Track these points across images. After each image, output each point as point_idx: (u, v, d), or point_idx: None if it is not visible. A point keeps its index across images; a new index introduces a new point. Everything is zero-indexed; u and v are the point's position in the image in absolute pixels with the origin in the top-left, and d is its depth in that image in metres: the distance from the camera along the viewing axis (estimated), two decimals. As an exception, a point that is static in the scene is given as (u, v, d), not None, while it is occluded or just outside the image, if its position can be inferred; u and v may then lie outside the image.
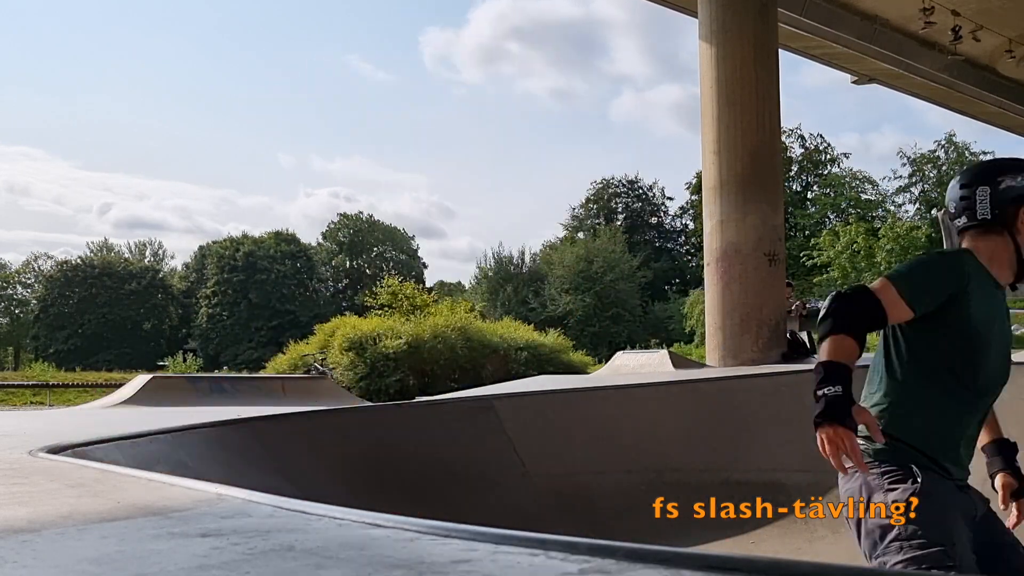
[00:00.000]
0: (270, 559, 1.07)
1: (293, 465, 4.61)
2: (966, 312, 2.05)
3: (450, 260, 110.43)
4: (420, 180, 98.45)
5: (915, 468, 2.03)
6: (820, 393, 1.92)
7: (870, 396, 2.18)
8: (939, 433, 2.09)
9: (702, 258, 11.75)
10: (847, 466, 1.94)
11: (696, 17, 11.32)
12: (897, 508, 1.97)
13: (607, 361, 13.73)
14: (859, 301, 2.03)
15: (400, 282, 28.05)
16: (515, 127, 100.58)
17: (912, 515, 1.95)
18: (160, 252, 64.14)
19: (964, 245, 2.22)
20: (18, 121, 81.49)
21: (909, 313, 2.04)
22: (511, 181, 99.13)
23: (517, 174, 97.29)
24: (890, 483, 2.03)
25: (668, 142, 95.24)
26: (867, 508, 2.03)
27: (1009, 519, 2.26)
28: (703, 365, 10.81)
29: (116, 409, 8.52)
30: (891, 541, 1.96)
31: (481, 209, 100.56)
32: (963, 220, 2.21)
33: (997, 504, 2.31)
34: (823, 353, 1.99)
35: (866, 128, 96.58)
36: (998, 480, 2.33)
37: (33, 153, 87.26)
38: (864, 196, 49.40)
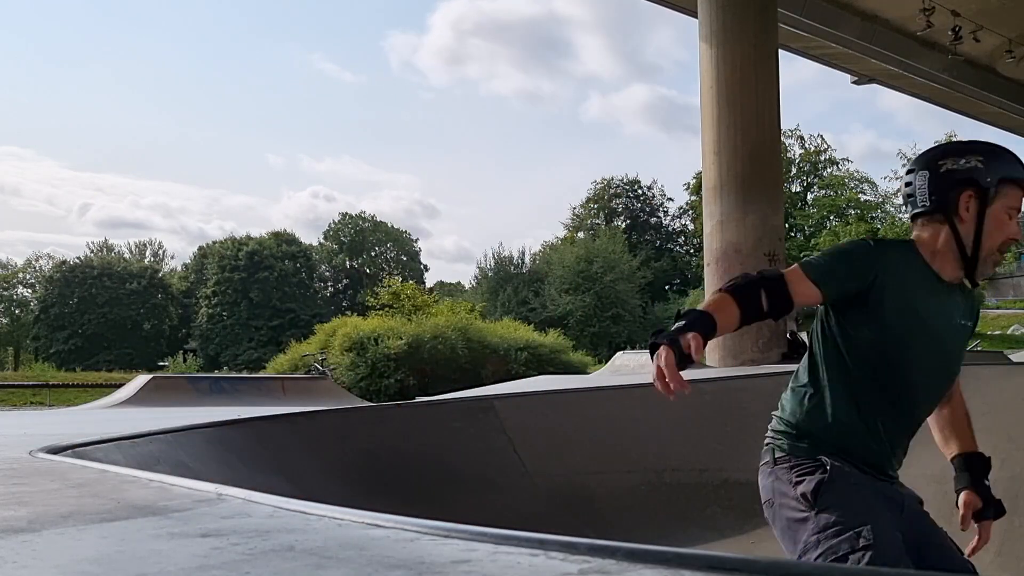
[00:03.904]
0: (270, 559, 1.07)
1: (293, 465, 4.61)
2: (882, 305, 1.90)
3: (436, 260, 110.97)
4: (403, 180, 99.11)
5: (824, 458, 1.92)
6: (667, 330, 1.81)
7: (794, 388, 2.08)
8: (852, 428, 1.95)
9: (702, 258, 11.75)
10: (669, 385, 1.76)
11: (696, 17, 11.33)
12: (805, 499, 1.88)
13: (607, 361, 13.73)
14: (760, 274, 1.92)
15: (401, 282, 28.09)
16: (495, 128, 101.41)
17: (822, 504, 1.85)
18: (160, 252, 64.22)
19: (912, 237, 2.05)
20: (7, 121, 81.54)
21: (816, 293, 1.90)
22: (497, 181, 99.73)
23: (503, 174, 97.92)
24: (798, 476, 1.93)
25: (654, 142, 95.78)
26: (779, 506, 1.95)
27: (969, 544, 2.12)
28: (703, 365, 10.81)
29: (116, 409, 8.52)
30: (809, 536, 1.85)
31: (467, 209, 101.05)
32: (908, 210, 2.04)
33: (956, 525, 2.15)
34: (699, 305, 1.90)
35: (839, 129, 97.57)
36: (961, 498, 2.17)
37: (22, 153, 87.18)
38: (864, 197, 49.41)
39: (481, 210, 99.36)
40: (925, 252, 1.97)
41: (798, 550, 1.87)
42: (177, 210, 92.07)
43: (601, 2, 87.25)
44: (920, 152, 2.10)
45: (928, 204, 1.96)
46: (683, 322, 1.80)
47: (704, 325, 1.79)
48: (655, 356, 1.77)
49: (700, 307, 1.86)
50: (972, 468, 2.17)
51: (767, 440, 2.07)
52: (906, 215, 2.13)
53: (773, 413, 2.12)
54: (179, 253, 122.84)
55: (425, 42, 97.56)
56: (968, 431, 2.22)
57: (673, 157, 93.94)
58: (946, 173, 1.94)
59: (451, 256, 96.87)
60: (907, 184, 2.03)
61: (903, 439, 2.05)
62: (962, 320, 2.02)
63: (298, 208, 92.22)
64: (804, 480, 1.91)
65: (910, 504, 2.04)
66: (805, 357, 2.08)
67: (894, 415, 1.99)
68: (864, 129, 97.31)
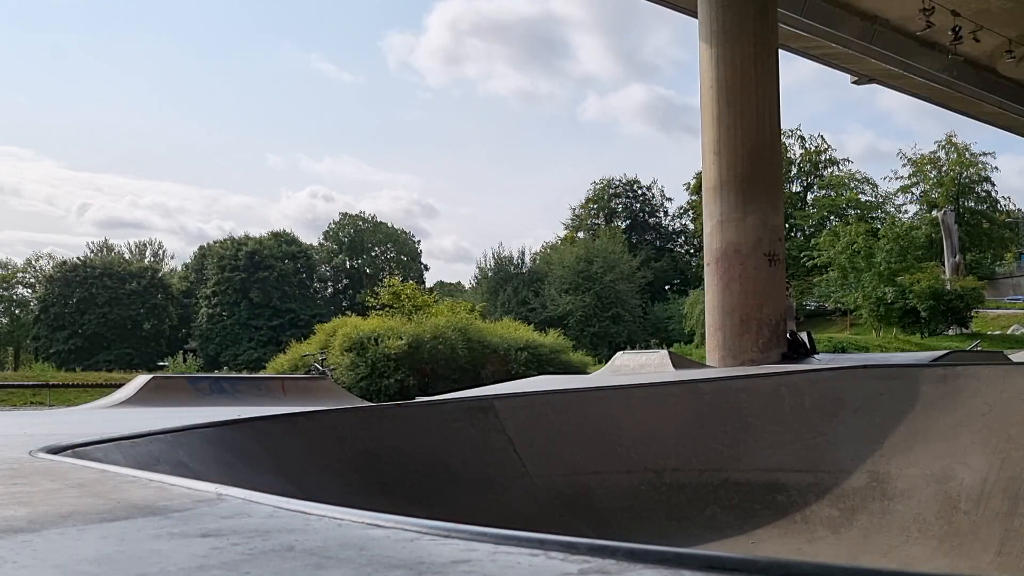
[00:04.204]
0: (270, 559, 1.07)
1: (293, 465, 4.61)
2: None
3: (435, 260, 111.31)
4: (401, 180, 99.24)
5: None
6: None
7: None
8: None
9: (702, 258, 11.75)
10: None
11: (696, 17, 11.32)
12: None
13: (607, 361, 13.73)
14: None
15: (401, 282, 28.13)
16: (493, 128, 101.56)
17: None
18: (160, 252, 64.26)
19: None
20: (6, 121, 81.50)
21: None
22: (495, 181, 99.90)
23: (501, 174, 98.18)
24: None
25: (652, 142, 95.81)
26: None
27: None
28: (703, 365, 10.81)
29: (116, 409, 8.51)
30: None
31: (466, 209, 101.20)
32: None
33: None
34: None
35: (838, 129, 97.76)
36: None
37: (21, 153, 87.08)
38: (864, 198, 49.42)
39: (480, 210, 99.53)
40: None
41: None
42: (176, 210, 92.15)
43: (598, 2, 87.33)
44: None
45: None
46: None
47: None
48: None
49: None
50: None
51: None
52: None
53: None
54: (178, 253, 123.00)
55: (422, 42, 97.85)
56: None
57: (671, 157, 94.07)
58: None
59: (450, 256, 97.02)
60: None
61: None
62: None
63: (296, 208, 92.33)
64: None
65: None
66: None
67: None
68: (862, 129, 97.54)
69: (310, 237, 62.73)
